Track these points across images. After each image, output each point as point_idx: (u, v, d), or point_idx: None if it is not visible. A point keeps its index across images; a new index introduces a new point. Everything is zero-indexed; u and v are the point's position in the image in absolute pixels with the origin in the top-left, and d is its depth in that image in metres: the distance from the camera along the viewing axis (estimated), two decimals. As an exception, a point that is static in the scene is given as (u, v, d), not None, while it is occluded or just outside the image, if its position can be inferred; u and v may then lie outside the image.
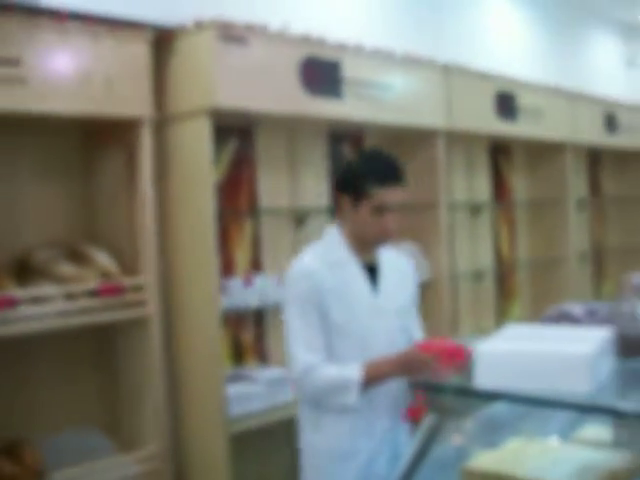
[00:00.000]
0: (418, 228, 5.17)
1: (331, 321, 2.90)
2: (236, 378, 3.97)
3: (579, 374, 1.53)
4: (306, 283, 2.90)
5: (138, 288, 3.61)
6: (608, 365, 1.70)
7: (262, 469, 3.11)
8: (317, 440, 2.98)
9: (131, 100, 3.58)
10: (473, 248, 6.10)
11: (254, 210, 4.36)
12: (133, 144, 3.66)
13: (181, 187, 3.86)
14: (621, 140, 7.64)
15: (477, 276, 6.03)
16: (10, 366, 3.52)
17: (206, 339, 3.77)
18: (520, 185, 6.75)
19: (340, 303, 2.91)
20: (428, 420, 1.71)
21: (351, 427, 2.90)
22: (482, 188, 6.25)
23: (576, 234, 6.90)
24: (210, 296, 3.74)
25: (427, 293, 5.14)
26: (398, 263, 3.17)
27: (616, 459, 1.78)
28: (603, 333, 1.73)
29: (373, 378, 2.81)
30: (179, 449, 3.87)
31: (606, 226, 8.11)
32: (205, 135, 3.71)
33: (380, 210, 2.88)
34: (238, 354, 4.24)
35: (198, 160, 3.77)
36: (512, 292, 6.57)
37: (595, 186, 7.95)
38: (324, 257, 2.97)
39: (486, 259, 6.24)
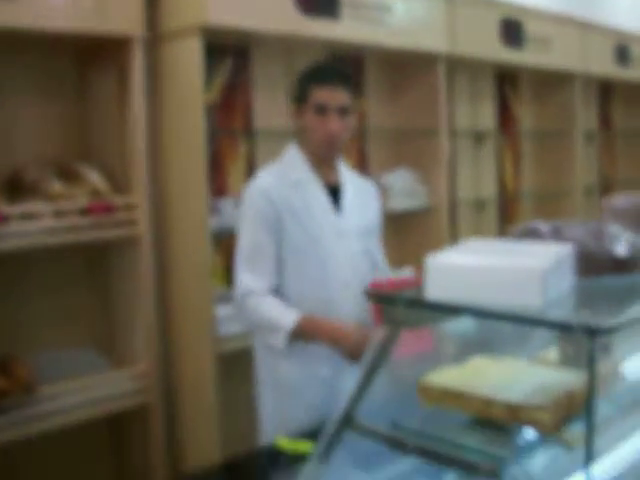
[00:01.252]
0: (417, 154, 5.14)
1: (290, 242, 2.88)
2: (227, 299, 3.98)
3: (531, 288, 1.52)
4: (262, 202, 2.87)
5: (129, 207, 3.60)
6: (566, 282, 1.68)
7: (250, 388, 3.14)
8: (277, 367, 2.98)
9: (122, 18, 3.53)
10: (476, 176, 6.06)
11: (249, 131, 4.34)
12: (125, 63, 3.61)
13: (173, 106, 3.83)
14: (634, 73, 7.52)
15: (479, 204, 6.00)
16: (1, 282, 3.56)
17: (196, 259, 3.79)
18: (526, 115, 6.67)
19: (300, 223, 2.89)
20: (381, 332, 1.71)
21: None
22: (487, 116, 6.18)
23: (583, 167, 6.85)
24: (200, 216, 3.74)
25: (426, 220, 5.15)
26: (361, 185, 3.16)
27: (575, 379, 1.78)
28: (563, 249, 1.72)
29: (306, 335, 2.80)
30: (170, 367, 3.92)
31: (615, 159, 8.03)
32: (197, 54, 3.67)
33: (320, 110, 2.88)
34: (230, 275, 4.25)
35: (190, 79, 3.73)
36: (515, 222, 6.53)
37: (605, 119, 7.85)
38: (284, 176, 2.95)
39: (489, 188, 6.20)
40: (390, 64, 5.15)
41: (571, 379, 1.78)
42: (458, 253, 1.70)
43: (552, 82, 6.62)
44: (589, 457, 1.46)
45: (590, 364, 1.41)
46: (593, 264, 1.77)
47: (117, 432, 3.89)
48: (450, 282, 1.57)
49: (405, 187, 4.93)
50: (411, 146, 5.16)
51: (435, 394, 1.74)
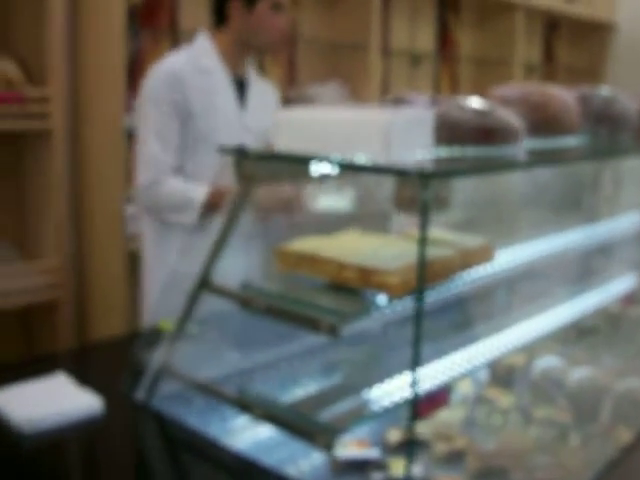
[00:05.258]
0: (348, 70, 5.10)
1: (194, 127, 2.85)
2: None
3: (375, 140, 1.52)
4: (171, 85, 2.83)
5: (43, 99, 3.54)
6: (422, 143, 1.67)
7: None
8: (159, 253, 2.97)
9: None
10: (410, 99, 6.04)
11: (174, 31, 4.27)
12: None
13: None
14: (580, 9, 7.51)
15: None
16: None
17: (111, 156, 3.74)
18: (466, 41, 6.63)
19: (205, 109, 2.86)
20: (236, 188, 1.71)
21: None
22: (426, 39, 6.14)
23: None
24: (116, 113, 3.68)
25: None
26: (265, 87, 3.19)
27: (436, 251, 1.79)
28: (420, 113, 1.72)
29: (216, 205, 2.71)
30: (80, 263, 3.90)
31: (557, 93, 8.05)
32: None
33: (278, 7, 2.93)
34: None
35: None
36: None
37: (549, 53, 7.87)
38: (192, 61, 2.91)
39: (423, 111, 6.19)
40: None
41: (432, 250, 1.78)
42: (308, 109, 1.69)
43: (494, 10, 6.58)
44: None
45: (423, 212, 1.41)
46: (457, 133, 1.76)
47: (27, 326, 3.88)
48: (300, 135, 1.57)
49: (333, 101, 4.91)
50: (342, 61, 5.12)
51: (291, 259, 1.74)
